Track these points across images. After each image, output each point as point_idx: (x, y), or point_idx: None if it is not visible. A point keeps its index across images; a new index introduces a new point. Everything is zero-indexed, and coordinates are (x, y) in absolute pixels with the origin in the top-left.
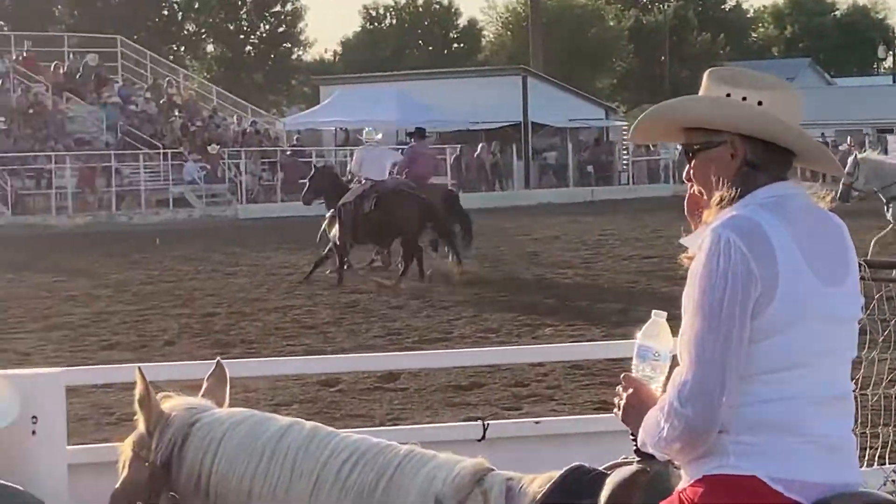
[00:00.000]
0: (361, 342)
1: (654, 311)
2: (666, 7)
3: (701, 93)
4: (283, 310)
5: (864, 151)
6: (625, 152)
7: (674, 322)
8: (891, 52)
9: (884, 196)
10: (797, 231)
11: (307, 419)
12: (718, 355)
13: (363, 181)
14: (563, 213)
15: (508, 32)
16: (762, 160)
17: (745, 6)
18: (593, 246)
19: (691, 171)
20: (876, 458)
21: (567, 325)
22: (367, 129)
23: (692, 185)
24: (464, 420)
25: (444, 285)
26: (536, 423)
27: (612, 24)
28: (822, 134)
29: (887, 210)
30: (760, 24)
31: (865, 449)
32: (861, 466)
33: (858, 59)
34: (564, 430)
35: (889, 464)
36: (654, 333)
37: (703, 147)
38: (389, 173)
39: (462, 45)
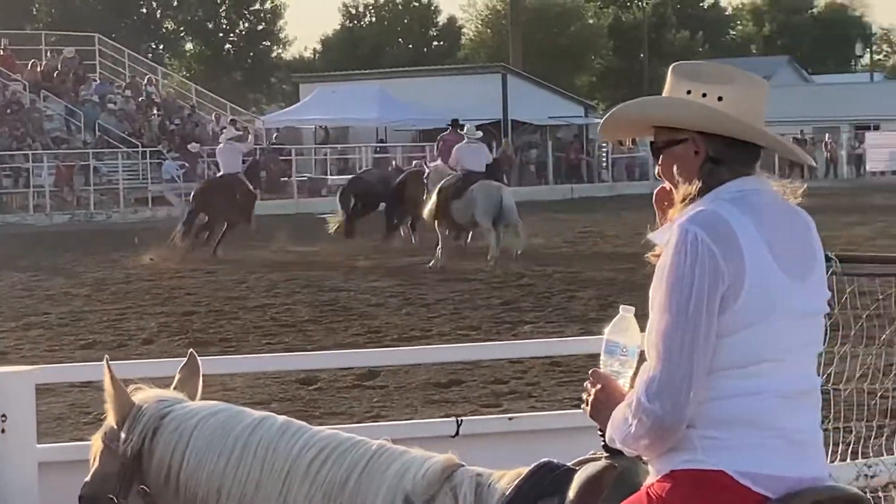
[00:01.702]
0: (340, 340)
1: (621, 307)
2: (645, 4)
3: (665, 89)
4: (263, 308)
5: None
6: (604, 149)
7: (643, 318)
8: (868, 50)
9: None
10: (763, 226)
11: None
12: (686, 351)
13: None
14: (543, 211)
15: (488, 30)
16: (725, 156)
17: (723, 4)
18: (573, 243)
19: (659, 169)
20: (849, 453)
21: (546, 322)
22: (225, 128)
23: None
24: (444, 417)
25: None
26: (510, 419)
27: (591, 21)
28: (801, 131)
29: None
30: (739, 22)
31: (839, 444)
32: (834, 461)
33: (836, 56)
34: (538, 426)
35: (861, 458)
36: (621, 329)
37: (667, 145)
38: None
39: (442, 42)
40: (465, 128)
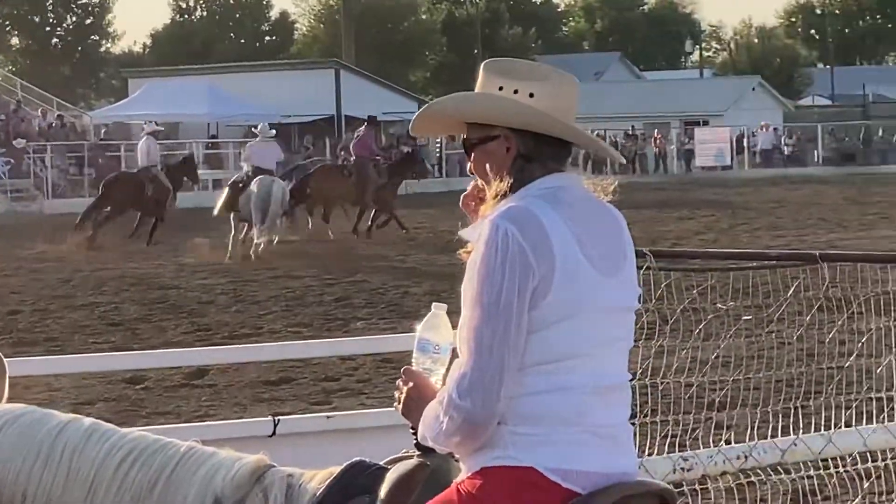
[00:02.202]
0: (169, 339)
1: (434, 304)
2: (478, 0)
3: (477, 85)
4: (90, 307)
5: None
6: (437, 144)
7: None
8: (697, 47)
9: None
10: (573, 222)
11: (112, 417)
12: (497, 347)
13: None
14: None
15: (321, 25)
16: (536, 153)
17: (555, 0)
18: (407, 239)
19: (471, 165)
20: (666, 446)
21: (379, 318)
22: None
23: (475, 179)
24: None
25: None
26: (328, 417)
27: (424, 17)
28: (632, 127)
29: None
30: (571, 18)
31: (656, 437)
32: (651, 454)
33: (666, 53)
34: (357, 424)
35: (678, 451)
36: (434, 326)
37: (480, 142)
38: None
39: (274, 37)
40: (259, 126)
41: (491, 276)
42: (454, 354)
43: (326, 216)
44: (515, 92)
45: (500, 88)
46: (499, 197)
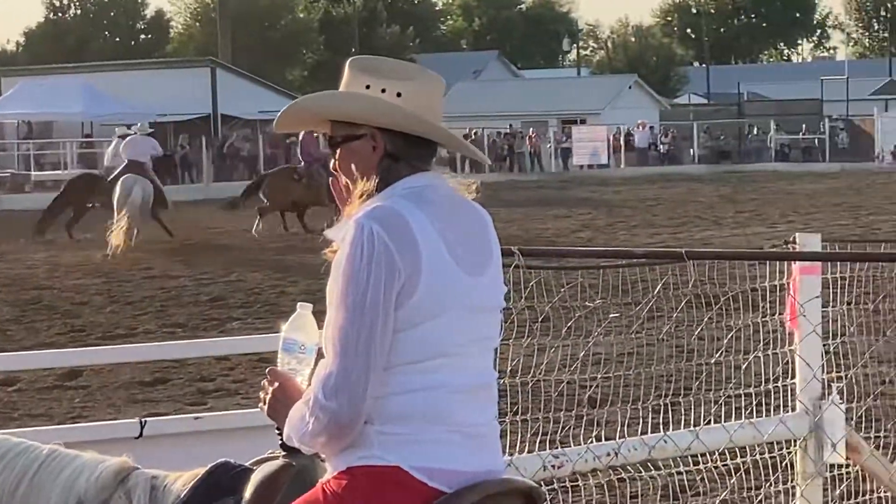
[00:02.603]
0: (43, 340)
1: (299, 304)
2: None
3: (343, 83)
4: None
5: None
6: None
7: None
8: (575, 46)
9: None
10: (439, 221)
11: None
12: (362, 347)
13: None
14: (255, 205)
15: (197, 23)
16: (402, 152)
17: None
18: (284, 239)
19: (336, 164)
20: (537, 444)
21: (255, 318)
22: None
23: (340, 177)
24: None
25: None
26: (196, 418)
27: (301, 15)
28: (510, 125)
29: None
30: (449, 17)
31: (526, 435)
32: (523, 452)
33: (544, 51)
34: (226, 425)
35: (549, 449)
36: (299, 326)
37: (345, 140)
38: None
39: (150, 35)
40: (139, 124)
41: (356, 276)
42: (320, 354)
43: (264, 217)
44: (383, 91)
45: (367, 87)
46: (364, 196)
